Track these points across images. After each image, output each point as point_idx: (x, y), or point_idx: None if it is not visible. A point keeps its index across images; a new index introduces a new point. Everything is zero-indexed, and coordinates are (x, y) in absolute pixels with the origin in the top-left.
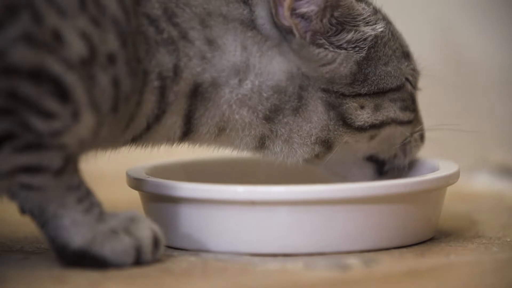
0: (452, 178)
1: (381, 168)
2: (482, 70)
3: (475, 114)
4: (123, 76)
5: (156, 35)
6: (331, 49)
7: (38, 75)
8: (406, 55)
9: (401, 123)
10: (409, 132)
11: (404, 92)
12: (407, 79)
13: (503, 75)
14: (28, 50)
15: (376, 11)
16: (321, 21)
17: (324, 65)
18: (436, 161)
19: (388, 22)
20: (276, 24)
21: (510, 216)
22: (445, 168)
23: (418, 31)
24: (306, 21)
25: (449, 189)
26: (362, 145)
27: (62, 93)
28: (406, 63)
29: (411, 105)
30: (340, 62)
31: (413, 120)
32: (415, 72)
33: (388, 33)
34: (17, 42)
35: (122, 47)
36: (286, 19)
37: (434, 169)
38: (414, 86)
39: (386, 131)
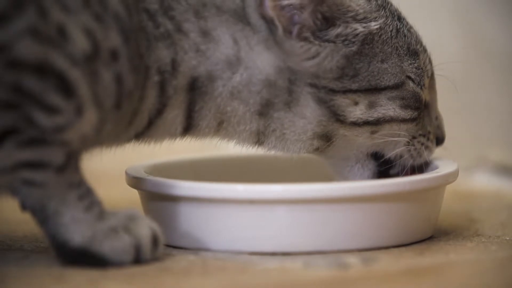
0: (451, 177)
1: (385, 170)
2: (481, 69)
3: (474, 113)
4: (126, 72)
5: (154, 29)
6: (316, 42)
7: (43, 70)
8: (413, 53)
9: (403, 121)
10: (414, 130)
11: (404, 91)
12: (408, 77)
13: (501, 74)
14: (34, 44)
15: (379, 7)
16: (306, 15)
17: (307, 59)
18: (435, 159)
19: (394, 20)
20: (262, 14)
21: (509, 215)
22: (444, 167)
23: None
24: (293, 14)
25: (448, 187)
26: (364, 140)
27: (66, 88)
28: (409, 61)
29: (413, 103)
30: (324, 56)
31: (417, 118)
32: (420, 71)
33: (391, 31)
34: (23, 36)
35: (124, 44)
36: (270, 9)
37: (433, 168)
38: (419, 84)
39: (386, 128)
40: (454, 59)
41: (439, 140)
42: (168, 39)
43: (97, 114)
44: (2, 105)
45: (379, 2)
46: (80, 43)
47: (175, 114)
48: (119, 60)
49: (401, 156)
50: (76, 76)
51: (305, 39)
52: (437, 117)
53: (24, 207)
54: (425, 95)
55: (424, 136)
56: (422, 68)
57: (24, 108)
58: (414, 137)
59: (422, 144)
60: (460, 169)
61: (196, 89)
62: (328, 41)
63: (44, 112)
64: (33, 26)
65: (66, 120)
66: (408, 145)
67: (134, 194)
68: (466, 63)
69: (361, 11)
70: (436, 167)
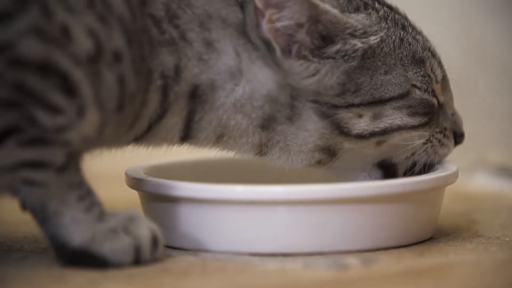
0: (451, 178)
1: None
2: (480, 70)
3: (473, 114)
4: (128, 75)
5: (159, 35)
6: (316, 60)
7: (46, 69)
8: (419, 61)
9: (413, 127)
10: (428, 133)
11: (410, 99)
12: (414, 85)
13: (501, 76)
14: (37, 43)
15: (381, 19)
16: (303, 35)
17: (307, 77)
18: None
19: (397, 29)
20: (259, 35)
21: (509, 216)
22: (444, 168)
23: None
24: (290, 35)
25: (448, 188)
26: (370, 151)
27: (69, 88)
28: (415, 70)
29: (422, 109)
30: (324, 73)
31: (428, 122)
32: (427, 78)
33: (393, 42)
34: (27, 35)
35: (127, 46)
36: (267, 31)
37: (433, 169)
38: (427, 91)
39: (395, 137)
40: (453, 61)
41: (458, 136)
42: (173, 45)
43: (99, 115)
44: (4, 104)
45: (380, 13)
46: (83, 43)
47: (174, 121)
48: (122, 61)
49: (413, 154)
50: (79, 76)
51: (304, 57)
52: (453, 114)
53: (24, 207)
54: (438, 97)
55: (440, 132)
56: (429, 75)
57: (26, 107)
58: (431, 135)
59: (439, 141)
60: (460, 170)
61: (197, 97)
62: (327, 57)
63: (46, 112)
64: (36, 26)
65: (68, 120)
66: (426, 143)
67: (134, 195)
68: (465, 65)
69: (359, 26)
70: (436, 168)
